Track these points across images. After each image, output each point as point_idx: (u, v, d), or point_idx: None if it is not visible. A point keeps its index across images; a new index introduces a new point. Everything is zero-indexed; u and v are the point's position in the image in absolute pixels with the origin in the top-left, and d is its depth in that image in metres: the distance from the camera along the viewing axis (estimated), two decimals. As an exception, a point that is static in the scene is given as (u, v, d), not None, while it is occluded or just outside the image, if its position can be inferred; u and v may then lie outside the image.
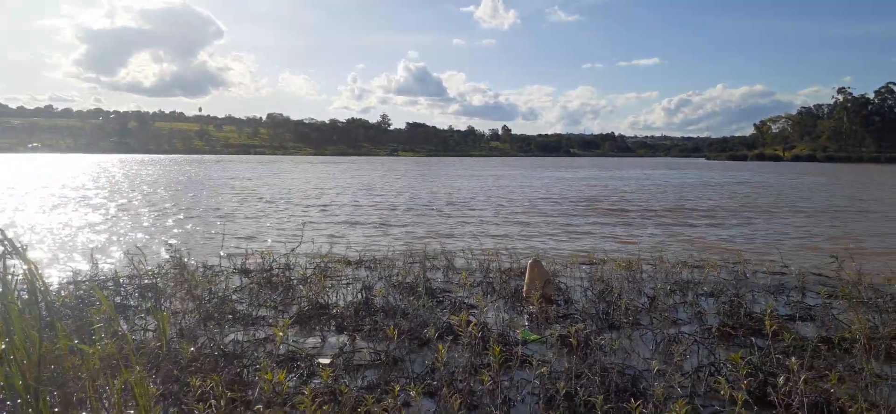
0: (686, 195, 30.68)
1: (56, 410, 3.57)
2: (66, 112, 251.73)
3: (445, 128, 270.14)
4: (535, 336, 6.04)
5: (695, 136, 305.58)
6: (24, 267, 3.77)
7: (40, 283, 3.87)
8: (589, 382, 4.62)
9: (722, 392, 4.01)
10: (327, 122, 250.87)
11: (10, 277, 4.02)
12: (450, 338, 5.74)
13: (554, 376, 4.79)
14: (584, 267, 9.79)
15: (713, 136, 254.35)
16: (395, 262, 9.89)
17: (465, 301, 7.41)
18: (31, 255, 4.04)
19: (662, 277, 8.70)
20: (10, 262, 3.98)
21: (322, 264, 9.68)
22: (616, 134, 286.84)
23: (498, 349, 4.62)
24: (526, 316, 6.94)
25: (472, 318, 5.90)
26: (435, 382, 4.74)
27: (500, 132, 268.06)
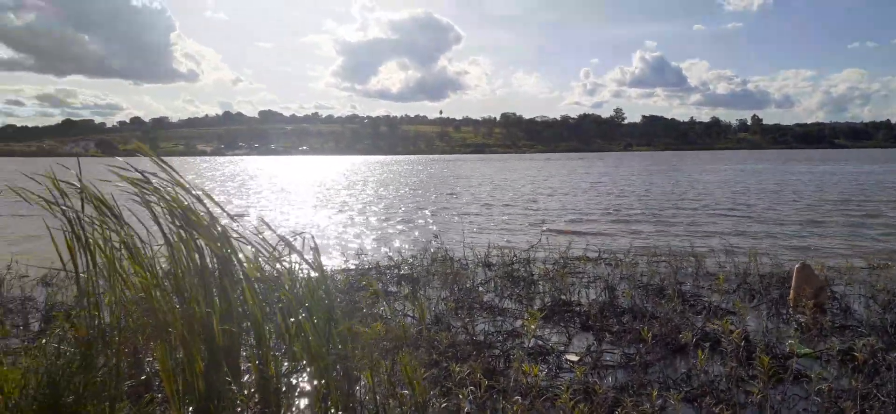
0: None
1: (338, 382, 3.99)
2: (329, 119, 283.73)
3: (685, 120, 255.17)
4: (806, 349, 5.42)
5: None
6: (306, 257, 4.30)
7: (316, 263, 4.39)
8: (881, 405, 4.02)
9: None
10: (558, 119, 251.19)
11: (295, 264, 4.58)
12: (707, 345, 5.38)
13: (835, 395, 4.26)
14: (862, 272, 8.57)
15: None
16: (638, 261, 9.55)
17: (721, 306, 6.90)
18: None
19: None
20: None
21: (561, 261, 9.66)
22: (892, 122, 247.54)
23: (766, 360, 4.21)
24: (793, 326, 6.26)
25: (732, 325, 5.46)
26: (694, 390, 4.47)
27: (749, 122, 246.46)
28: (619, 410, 4.02)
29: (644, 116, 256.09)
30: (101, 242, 4.03)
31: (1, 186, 4.37)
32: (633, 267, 8.98)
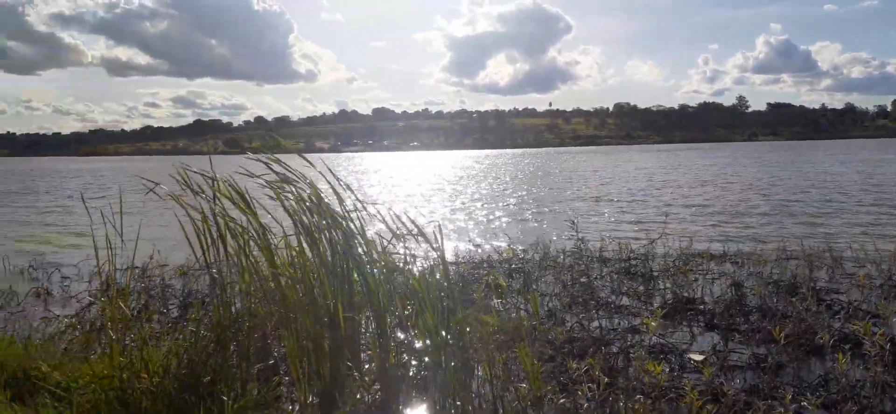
0: None
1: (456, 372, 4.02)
2: (438, 114, 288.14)
3: (816, 107, 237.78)
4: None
5: None
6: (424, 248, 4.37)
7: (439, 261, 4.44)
8: None
9: None
10: (676, 108, 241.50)
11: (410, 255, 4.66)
12: (847, 347, 4.97)
13: None
14: None
15: None
16: (766, 257, 8.98)
17: (862, 307, 6.35)
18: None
19: None
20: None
21: (682, 256, 9.25)
22: None
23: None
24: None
25: (875, 327, 5.01)
26: (832, 395, 4.14)
27: (889, 108, 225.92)
28: (750, 412, 3.80)
29: (769, 104, 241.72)
30: (231, 235, 4.29)
31: (144, 182, 4.75)
32: (761, 264, 8.47)
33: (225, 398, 3.54)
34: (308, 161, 4.63)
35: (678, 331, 5.90)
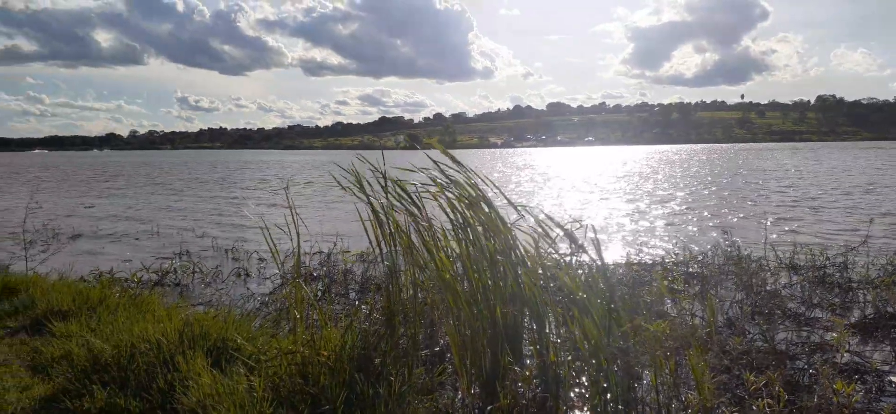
0: None
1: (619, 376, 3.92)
2: (616, 108, 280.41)
3: None
4: None
5: None
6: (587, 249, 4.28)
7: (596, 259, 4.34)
8: None
9: None
10: (891, 100, 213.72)
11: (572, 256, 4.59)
12: None
13: None
14: None
15: None
16: None
17: None
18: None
19: None
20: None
21: (889, 266, 8.22)
22: None
23: None
24: None
25: None
26: None
27: None
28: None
29: None
30: (400, 229, 4.53)
31: (334, 177, 5.19)
32: None
33: (392, 380, 3.74)
34: (452, 162, 4.74)
35: (878, 350, 5.28)
